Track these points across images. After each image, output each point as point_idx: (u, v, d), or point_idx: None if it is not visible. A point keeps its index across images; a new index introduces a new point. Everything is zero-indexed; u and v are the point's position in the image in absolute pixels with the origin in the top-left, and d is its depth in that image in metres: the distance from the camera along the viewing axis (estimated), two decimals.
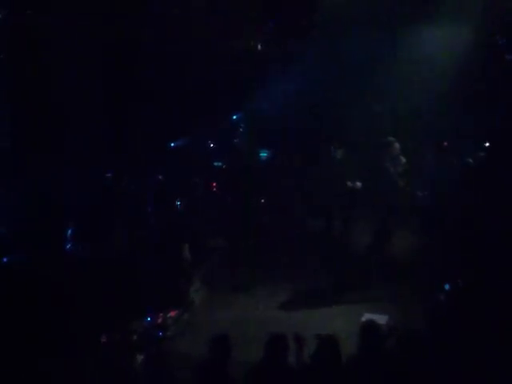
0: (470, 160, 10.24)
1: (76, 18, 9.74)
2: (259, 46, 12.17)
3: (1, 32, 9.12)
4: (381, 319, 7.60)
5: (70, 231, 7.85)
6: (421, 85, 11.63)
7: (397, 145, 9.62)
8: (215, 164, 11.88)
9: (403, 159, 9.64)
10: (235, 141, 12.29)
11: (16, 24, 9.24)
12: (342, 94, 12.16)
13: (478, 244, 8.49)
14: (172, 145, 11.81)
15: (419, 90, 11.64)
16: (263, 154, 12.25)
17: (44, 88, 9.67)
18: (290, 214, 11.18)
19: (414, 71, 11.68)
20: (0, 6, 9.03)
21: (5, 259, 8.08)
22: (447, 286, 7.59)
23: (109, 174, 9.68)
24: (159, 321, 7.85)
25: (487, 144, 10.62)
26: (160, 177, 10.08)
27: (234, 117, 12.69)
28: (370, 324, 5.64)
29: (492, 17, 10.86)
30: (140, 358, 6.61)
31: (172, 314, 8.07)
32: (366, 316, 7.92)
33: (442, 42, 11.43)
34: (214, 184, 11.37)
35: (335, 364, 5.17)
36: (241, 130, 12.42)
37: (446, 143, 11.80)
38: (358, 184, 9.59)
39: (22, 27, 9.32)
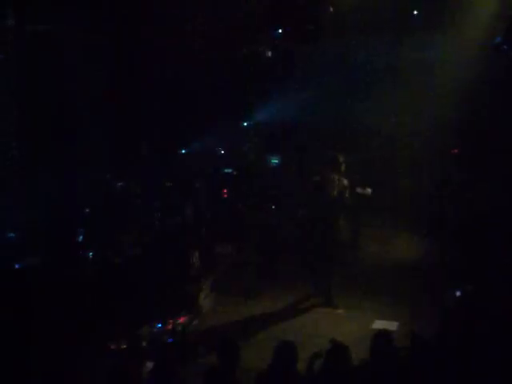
0: None
1: (83, 19, 9.79)
2: (269, 53, 12.19)
3: (7, 35, 9.15)
4: (391, 326, 7.56)
5: (80, 237, 7.88)
6: (427, 91, 11.61)
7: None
8: (225, 171, 11.89)
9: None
10: (245, 148, 12.30)
11: (21, 27, 9.29)
12: (349, 102, 12.15)
13: (488, 247, 8.47)
14: (183, 151, 11.85)
15: (426, 97, 11.62)
16: (274, 161, 12.25)
17: (53, 93, 9.74)
18: (299, 220, 11.15)
19: (421, 78, 11.66)
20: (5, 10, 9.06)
21: (17, 264, 8.13)
22: (458, 292, 7.53)
23: (119, 181, 9.74)
24: (169, 327, 7.84)
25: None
26: (170, 183, 10.13)
27: (245, 124, 12.70)
28: (382, 334, 5.57)
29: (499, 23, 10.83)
30: (149, 364, 6.60)
31: (181, 320, 8.06)
32: (377, 323, 7.89)
33: (449, 49, 11.41)
34: (225, 190, 11.38)
35: (344, 371, 5.13)
36: (251, 137, 12.44)
37: (456, 150, 11.82)
38: (369, 190, 9.54)
39: (27, 31, 9.39)
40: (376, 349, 5.32)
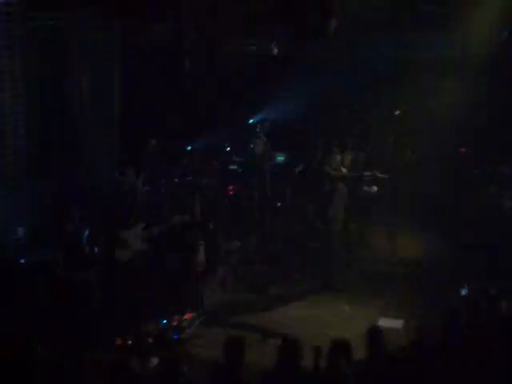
0: None
1: (91, 13, 9.81)
2: (276, 50, 12.20)
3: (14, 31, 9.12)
4: (396, 324, 7.58)
5: (86, 233, 7.90)
6: (432, 91, 11.62)
7: None
8: (231, 167, 11.91)
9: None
10: (251, 145, 12.30)
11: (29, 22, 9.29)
12: (353, 101, 12.15)
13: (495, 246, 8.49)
14: (189, 148, 11.87)
15: (431, 96, 11.63)
16: (279, 158, 12.25)
17: (61, 89, 9.77)
18: (305, 216, 11.17)
19: (426, 76, 11.66)
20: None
21: (22, 260, 8.17)
22: (464, 291, 7.53)
23: (126, 176, 9.78)
24: (175, 323, 7.87)
25: None
26: (176, 179, 10.16)
27: (251, 121, 12.70)
28: (375, 330, 5.57)
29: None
30: (155, 360, 6.63)
31: (187, 316, 8.09)
32: (382, 320, 7.90)
33: (456, 47, 11.40)
34: (231, 187, 11.40)
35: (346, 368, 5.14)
36: (257, 134, 12.44)
37: (463, 149, 11.81)
38: (374, 188, 9.58)
39: (41, 28, 9.41)
40: (370, 346, 5.34)
